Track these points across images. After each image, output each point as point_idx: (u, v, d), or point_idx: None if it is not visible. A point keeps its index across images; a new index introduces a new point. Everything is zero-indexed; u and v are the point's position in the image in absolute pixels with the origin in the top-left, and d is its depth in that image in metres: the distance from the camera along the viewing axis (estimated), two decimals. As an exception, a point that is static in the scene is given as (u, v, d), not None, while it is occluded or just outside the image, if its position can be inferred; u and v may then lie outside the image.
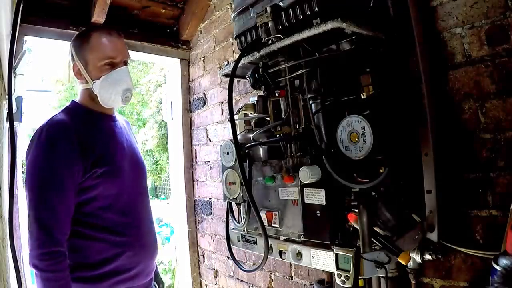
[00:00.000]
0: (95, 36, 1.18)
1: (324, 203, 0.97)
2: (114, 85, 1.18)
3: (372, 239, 0.97)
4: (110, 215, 1.15)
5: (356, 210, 0.99)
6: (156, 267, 1.45)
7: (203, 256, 2.42)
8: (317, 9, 0.97)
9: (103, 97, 1.19)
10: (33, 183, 1.06)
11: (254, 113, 1.31)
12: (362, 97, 1.05)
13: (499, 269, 0.86)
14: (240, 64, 1.11)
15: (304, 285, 1.66)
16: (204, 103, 2.39)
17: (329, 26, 0.91)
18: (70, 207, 1.08)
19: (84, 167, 1.09)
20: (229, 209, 1.33)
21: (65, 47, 2.10)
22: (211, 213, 2.32)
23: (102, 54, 1.17)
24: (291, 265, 1.73)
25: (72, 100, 1.26)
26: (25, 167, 1.09)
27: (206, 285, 2.39)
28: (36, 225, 1.03)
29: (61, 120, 1.14)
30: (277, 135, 1.12)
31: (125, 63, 1.23)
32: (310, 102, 1.14)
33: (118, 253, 1.14)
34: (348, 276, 0.93)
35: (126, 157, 1.24)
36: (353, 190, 1.01)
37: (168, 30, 2.50)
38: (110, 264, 1.12)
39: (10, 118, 1.34)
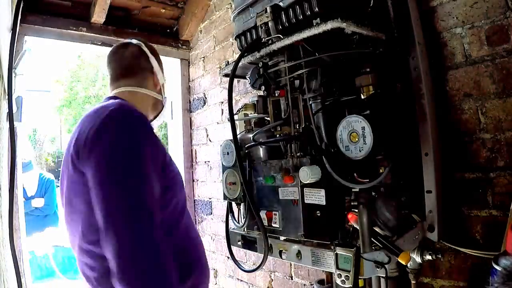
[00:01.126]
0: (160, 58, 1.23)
1: (324, 203, 0.97)
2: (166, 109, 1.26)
3: (372, 239, 0.97)
4: (184, 223, 0.98)
5: (356, 210, 0.99)
6: None
7: (203, 256, 2.42)
8: (317, 9, 0.97)
9: (166, 111, 1.25)
10: (117, 172, 0.83)
11: (254, 113, 1.31)
12: (362, 97, 1.05)
13: (499, 269, 0.86)
14: (240, 64, 1.10)
15: (304, 285, 1.65)
16: (204, 103, 2.39)
17: (329, 26, 0.91)
18: (156, 200, 0.87)
19: (162, 160, 0.94)
20: (229, 209, 1.33)
21: (65, 47, 2.11)
22: (211, 213, 2.32)
23: (163, 76, 1.22)
24: (291, 265, 1.73)
25: (124, 102, 1.02)
26: (94, 159, 0.84)
27: (206, 285, 2.39)
28: (130, 215, 0.80)
29: (135, 109, 0.96)
30: (277, 135, 1.12)
31: None
32: (310, 102, 1.14)
33: (191, 272, 0.96)
34: (348, 276, 0.92)
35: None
36: (353, 190, 1.01)
37: (168, 30, 2.50)
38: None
39: (10, 118, 1.34)
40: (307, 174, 0.95)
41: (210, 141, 2.33)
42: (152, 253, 0.79)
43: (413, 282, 1.13)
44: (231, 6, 2.07)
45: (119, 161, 0.84)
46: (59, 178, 1.04)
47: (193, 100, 2.54)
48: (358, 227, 0.98)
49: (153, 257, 0.79)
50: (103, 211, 0.81)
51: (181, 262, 0.91)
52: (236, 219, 1.31)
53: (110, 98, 1.06)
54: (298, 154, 1.06)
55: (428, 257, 1.09)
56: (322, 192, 0.97)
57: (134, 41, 1.18)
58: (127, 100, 1.04)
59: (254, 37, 1.17)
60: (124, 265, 0.77)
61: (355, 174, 1.04)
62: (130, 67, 1.13)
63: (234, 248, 1.30)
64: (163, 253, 0.81)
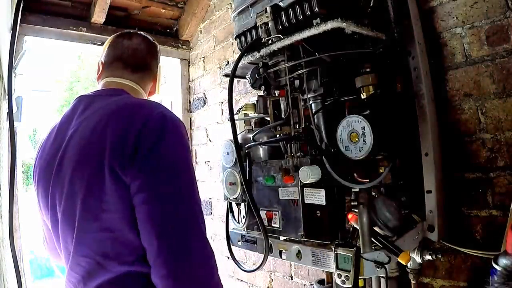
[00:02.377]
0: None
1: (324, 203, 0.97)
2: None
3: (372, 239, 0.97)
4: None
5: (356, 210, 0.99)
6: None
7: (203, 256, 2.41)
8: (317, 9, 0.97)
9: None
10: (184, 173, 0.79)
11: (254, 113, 1.31)
12: (362, 97, 1.05)
13: (499, 269, 0.86)
14: (240, 64, 1.10)
15: (304, 285, 1.65)
16: (204, 103, 2.39)
17: (329, 26, 0.91)
18: None
19: None
20: (229, 209, 1.33)
21: (65, 47, 2.11)
22: (211, 213, 2.31)
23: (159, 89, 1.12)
24: (291, 265, 1.73)
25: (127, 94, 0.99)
26: (153, 154, 0.76)
27: (206, 285, 2.39)
28: (198, 219, 0.78)
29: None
30: (277, 135, 1.12)
31: None
32: (310, 102, 1.14)
33: None
34: (348, 276, 0.92)
35: None
36: (353, 190, 1.01)
37: (168, 30, 2.50)
38: None
39: (10, 118, 1.34)
40: (307, 174, 0.95)
41: (210, 141, 2.33)
42: (213, 255, 0.78)
43: (413, 282, 1.13)
44: (231, 6, 2.07)
45: (185, 163, 0.79)
46: (43, 189, 0.87)
47: (193, 100, 2.54)
48: (358, 227, 0.98)
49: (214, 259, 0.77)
50: (170, 213, 0.74)
51: None
52: (236, 219, 1.31)
53: (115, 90, 0.96)
54: (298, 154, 1.06)
55: (428, 257, 1.09)
56: (322, 192, 0.97)
57: (151, 38, 1.10)
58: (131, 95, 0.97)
59: (254, 37, 1.17)
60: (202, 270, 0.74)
61: (355, 174, 1.04)
62: (141, 61, 1.03)
63: (234, 248, 1.30)
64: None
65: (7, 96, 1.31)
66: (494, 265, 0.87)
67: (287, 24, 1.05)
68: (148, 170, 0.75)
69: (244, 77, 1.28)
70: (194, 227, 0.75)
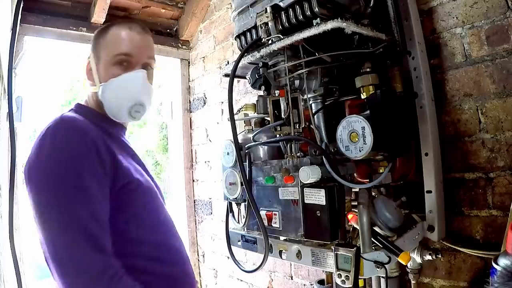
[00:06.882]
0: (113, 29, 0.99)
1: (324, 203, 0.97)
2: (121, 92, 0.95)
3: (372, 239, 0.97)
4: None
5: (356, 210, 0.99)
6: None
7: (203, 256, 2.42)
8: (317, 9, 0.97)
9: (107, 106, 0.97)
10: (49, 191, 0.79)
11: (254, 113, 1.31)
12: (362, 97, 1.05)
13: (499, 269, 0.85)
14: (240, 64, 1.10)
15: (304, 285, 1.66)
16: (204, 103, 2.39)
17: (329, 26, 0.91)
18: (105, 220, 0.81)
19: (110, 177, 0.85)
20: (229, 209, 1.33)
21: (65, 47, 2.11)
22: (211, 213, 2.32)
23: (114, 49, 0.96)
24: (291, 265, 1.73)
25: (77, 103, 1.02)
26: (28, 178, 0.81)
27: (206, 285, 2.39)
28: (68, 239, 0.76)
29: (73, 117, 0.89)
30: (277, 135, 1.12)
31: (146, 67, 1.00)
32: (310, 102, 1.14)
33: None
34: (348, 276, 0.92)
35: (140, 172, 0.99)
36: (353, 190, 1.01)
37: (168, 30, 2.50)
38: None
39: (10, 118, 1.34)
40: (307, 174, 0.95)
41: (210, 141, 2.33)
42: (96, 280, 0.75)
43: (413, 282, 1.14)
44: (231, 6, 2.06)
45: (36, 182, 0.84)
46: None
47: (193, 100, 2.54)
48: (358, 227, 0.98)
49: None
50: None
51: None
52: (236, 219, 1.31)
53: None
54: (298, 154, 1.06)
55: (428, 257, 1.09)
56: (322, 192, 0.97)
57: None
58: (87, 103, 1.05)
59: (254, 37, 1.17)
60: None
61: (355, 174, 1.04)
62: None
63: (234, 248, 1.30)
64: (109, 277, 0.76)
65: (7, 96, 1.31)
66: (494, 265, 0.87)
67: (287, 24, 1.05)
68: None
69: (244, 77, 1.28)
70: (57, 244, 0.79)
